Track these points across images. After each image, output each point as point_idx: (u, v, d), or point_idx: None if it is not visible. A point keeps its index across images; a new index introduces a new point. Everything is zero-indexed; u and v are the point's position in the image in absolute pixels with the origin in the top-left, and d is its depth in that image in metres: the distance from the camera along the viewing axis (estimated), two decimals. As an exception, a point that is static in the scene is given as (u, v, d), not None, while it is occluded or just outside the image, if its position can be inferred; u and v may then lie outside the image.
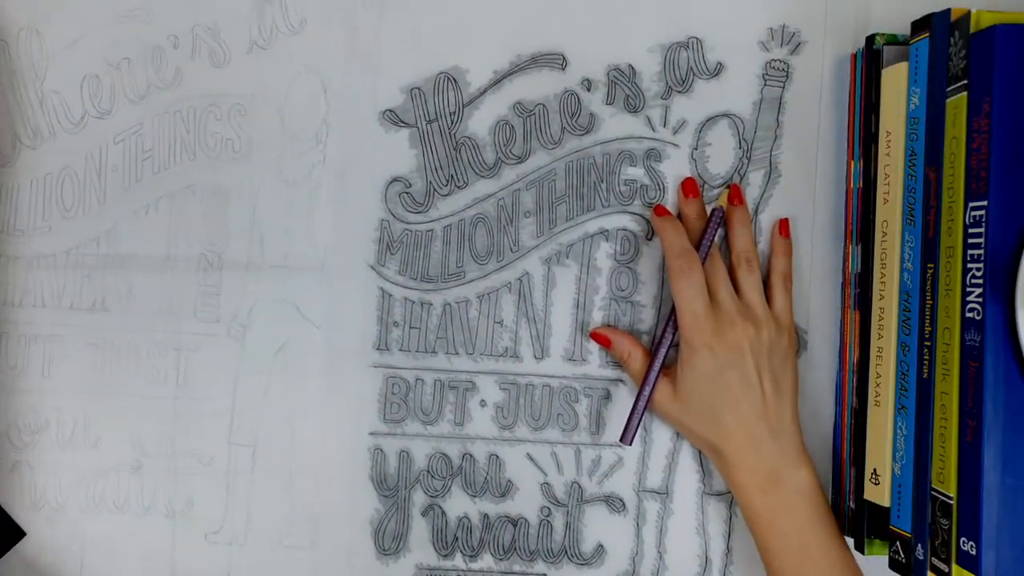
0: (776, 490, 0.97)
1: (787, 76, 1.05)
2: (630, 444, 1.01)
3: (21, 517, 1.06)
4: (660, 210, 1.03)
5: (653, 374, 1.01)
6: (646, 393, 1.01)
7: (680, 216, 1.04)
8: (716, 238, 1.02)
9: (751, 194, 1.05)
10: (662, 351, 1.01)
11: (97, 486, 1.06)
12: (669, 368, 1.02)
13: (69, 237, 1.05)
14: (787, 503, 0.97)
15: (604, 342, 1.05)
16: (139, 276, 1.05)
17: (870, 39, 0.99)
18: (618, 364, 1.06)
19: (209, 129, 1.05)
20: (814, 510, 0.96)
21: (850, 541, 1.00)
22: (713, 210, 1.02)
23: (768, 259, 1.04)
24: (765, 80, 1.05)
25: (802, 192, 1.05)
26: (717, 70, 1.05)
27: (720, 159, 1.05)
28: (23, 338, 1.06)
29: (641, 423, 1.02)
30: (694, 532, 1.06)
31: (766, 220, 1.05)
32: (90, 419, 1.06)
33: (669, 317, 1.02)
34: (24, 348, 1.06)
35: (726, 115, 1.05)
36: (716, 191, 1.05)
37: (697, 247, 1.00)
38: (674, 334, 1.01)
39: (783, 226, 1.04)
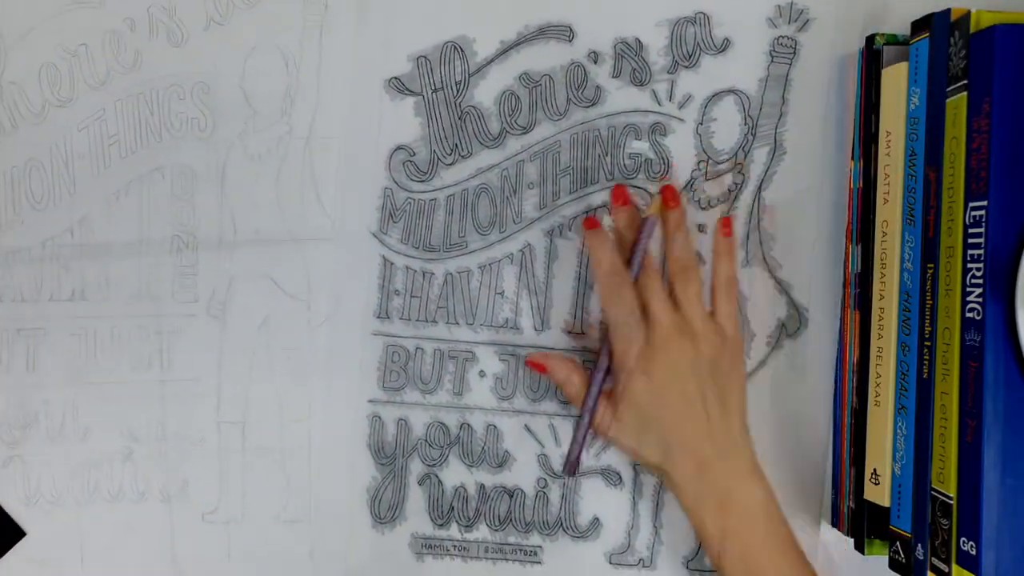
0: (728, 512, 0.97)
1: (794, 53, 1.07)
2: (573, 476, 1.06)
3: (17, 513, 1.10)
4: (589, 223, 1.04)
5: (591, 401, 1.03)
6: (585, 421, 1.03)
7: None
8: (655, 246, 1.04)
9: (755, 171, 1.08)
10: (599, 376, 1.03)
11: (91, 476, 1.09)
12: (611, 390, 1.03)
13: (43, 229, 1.07)
14: (740, 524, 0.97)
15: (540, 369, 1.07)
16: (115, 262, 1.07)
17: (870, 39, 1.02)
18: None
19: (173, 109, 1.07)
20: (768, 529, 0.97)
21: (850, 541, 1.04)
22: (644, 220, 1.03)
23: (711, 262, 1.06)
24: (772, 57, 1.08)
25: (806, 170, 1.08)
26: (724, 46, 1.08)
27: (725, 135, 1.08)
28: (6, 333, 1.07)
29: (583, 451, 1.05)
30: (690, 507, 1.10)
31: (769, 197, 1.08)
32: (79, 410, 1.08)
33: (604, 338, 1.04)
34: (8, 343, 1.07)
35: (732, 91, 1.08)
36: (722, 166, 1.08)
37: (630, 260, 1.02)
38: (610, 359, 1.03)
39: (725, 225, 1.06)
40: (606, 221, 1.06)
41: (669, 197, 1.03)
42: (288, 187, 1.08)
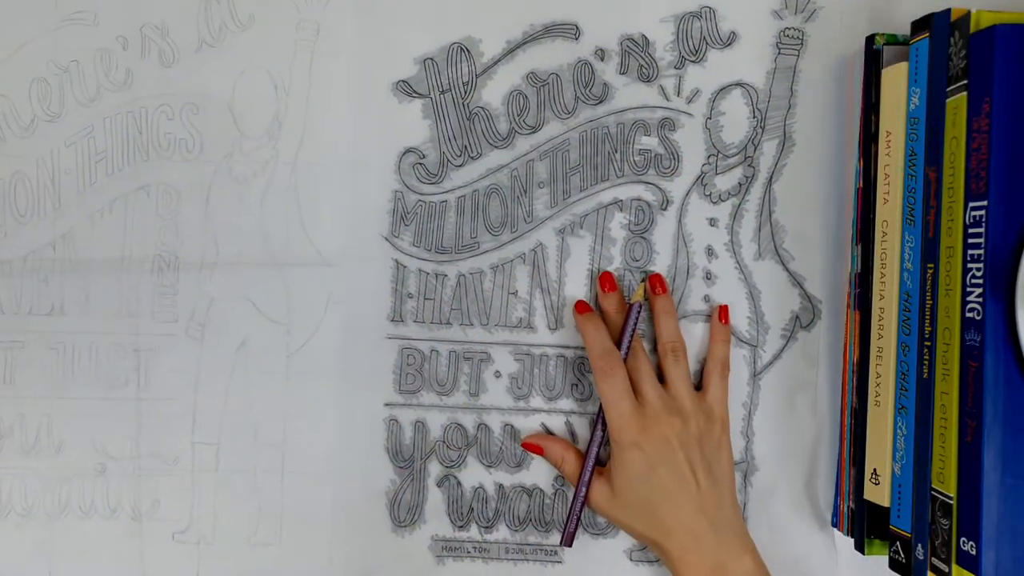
0: None
1: (801, 44, 1.11)
2: (570, 546, 1.11)
3: (-14, 525, 1.15)
4: (581, 307, 1.11)
5: (587, 475, 1.09)
6: (582, 494, 1.08)
7: (601, 310, 1.12)
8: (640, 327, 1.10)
9: (765, 163, 1.12)
10: (593, 450, 1.09)
11: (62, 491, 1.12)
12: (605, 468, 1.10)
13: (25, 243, 1.11)
14: None
15: (537, 450, 1.12)
16: (96, 279, 1.11)
17: (870, 39, 1.05)
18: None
19: (161, 129, 1.11)
20: None
21: (850, 541, 1.08)
22: (631, 305, 1.09)
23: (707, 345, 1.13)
24: (779, 49, 1.11)
25: (817, 161, 1.12)
26: (730, 39, 1.12)
27: (734, 128, 1.12)
28: (-17, 345, 1.14)
29: (580, 524, 1.11)
30: (707, 503, 1.14)
31: (780, 189, 1.12)
32: (53, 424, 1.12)
33: (598, 416, 1.10)
34: (-15, 356, 1.14)
35: (740, 84, 1.12)
36: (732, 159, 1.12)
37: (619, 342, 1.08)
38: (604, 433, 1.09)
39: (723, 313, 1.12)
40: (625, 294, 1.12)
41: (656, 284, 1.11)
42: (272, 211, 1.12)
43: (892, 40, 1.04)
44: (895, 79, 1.02)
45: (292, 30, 1.11)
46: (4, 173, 1.11)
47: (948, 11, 0.95)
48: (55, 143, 1.11)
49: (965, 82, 0.92)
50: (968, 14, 0.92)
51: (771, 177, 1.12)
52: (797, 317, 1.12)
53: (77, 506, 1.13)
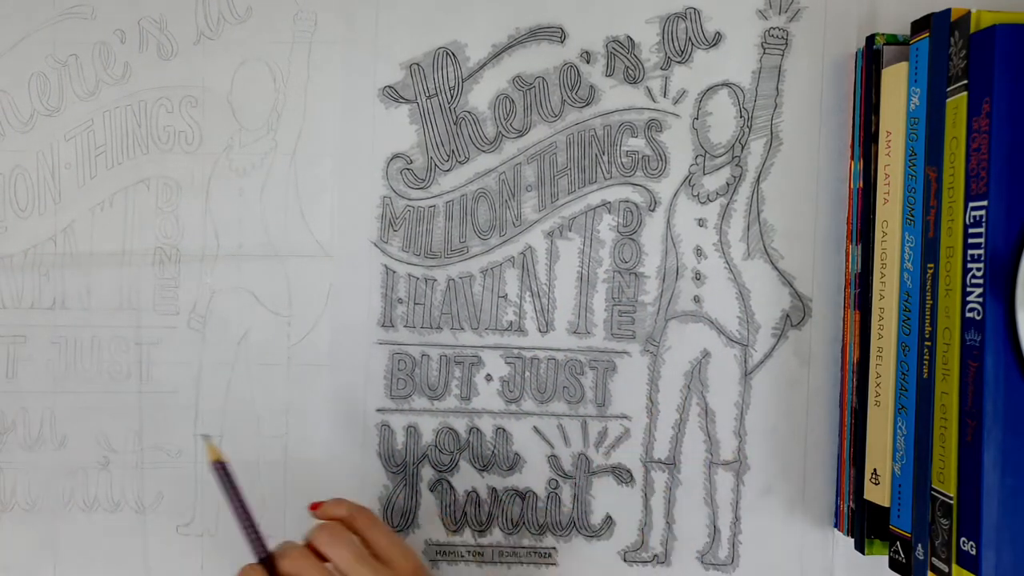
0: None
1: (786, 44, 1.10)
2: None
3: (-9, 519, 1.13)
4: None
5: None
6: None
7: None
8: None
9: (753, 163, 1.10)
10: None
11: (66, 485, 1.11)
12: None
13: (26, 237, 1.10)
14: None
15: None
16: (97, 272, 1.10)
17: (870, 39, 1.04)
18: (622, 336, 1.12)
19: (160, 122, 1.10)
20: None
21: (850, 541, 1.07)
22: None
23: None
24: (764, 48, 1.10)
25: (804, 159, 1.10)
26: (716, 40, 1.10)
27: (721, 128, 1.10)
28: (-14, 340, 1.12)
29: None
30: (702, 502, 1.12)
31: (768, 188, 1.11)
32: (56, 418, 1.11)
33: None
34: (-12, 350, 1.12)
35: (726, 84, 1.10)
36: (719, 159, 1.10)
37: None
38: None
39: (313, 507, 0.99)
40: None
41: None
42: (272, 202, 1.10)
43: (892, 40, 1.03)
44: (895, 79, 1.01)
45: (290, 22, 1.10)
46: (4, 168, 1.10)
47: (948, 11, 0.94)
48: (55, 137, 1.10)
49: (965, 82, 0.92)
50: (968, 14, 0.91)
51: (759, 176, 1.10)
52: (787, 316, 1.11)
53: (81, 500, 1.12)
